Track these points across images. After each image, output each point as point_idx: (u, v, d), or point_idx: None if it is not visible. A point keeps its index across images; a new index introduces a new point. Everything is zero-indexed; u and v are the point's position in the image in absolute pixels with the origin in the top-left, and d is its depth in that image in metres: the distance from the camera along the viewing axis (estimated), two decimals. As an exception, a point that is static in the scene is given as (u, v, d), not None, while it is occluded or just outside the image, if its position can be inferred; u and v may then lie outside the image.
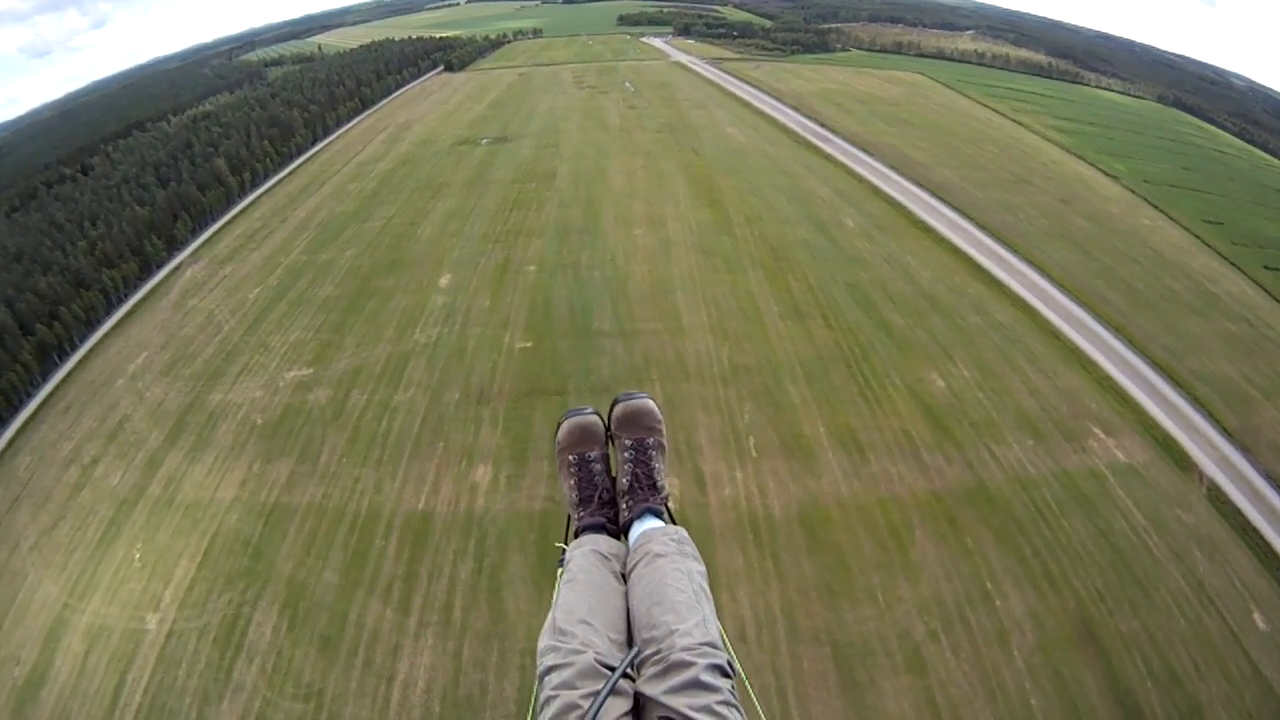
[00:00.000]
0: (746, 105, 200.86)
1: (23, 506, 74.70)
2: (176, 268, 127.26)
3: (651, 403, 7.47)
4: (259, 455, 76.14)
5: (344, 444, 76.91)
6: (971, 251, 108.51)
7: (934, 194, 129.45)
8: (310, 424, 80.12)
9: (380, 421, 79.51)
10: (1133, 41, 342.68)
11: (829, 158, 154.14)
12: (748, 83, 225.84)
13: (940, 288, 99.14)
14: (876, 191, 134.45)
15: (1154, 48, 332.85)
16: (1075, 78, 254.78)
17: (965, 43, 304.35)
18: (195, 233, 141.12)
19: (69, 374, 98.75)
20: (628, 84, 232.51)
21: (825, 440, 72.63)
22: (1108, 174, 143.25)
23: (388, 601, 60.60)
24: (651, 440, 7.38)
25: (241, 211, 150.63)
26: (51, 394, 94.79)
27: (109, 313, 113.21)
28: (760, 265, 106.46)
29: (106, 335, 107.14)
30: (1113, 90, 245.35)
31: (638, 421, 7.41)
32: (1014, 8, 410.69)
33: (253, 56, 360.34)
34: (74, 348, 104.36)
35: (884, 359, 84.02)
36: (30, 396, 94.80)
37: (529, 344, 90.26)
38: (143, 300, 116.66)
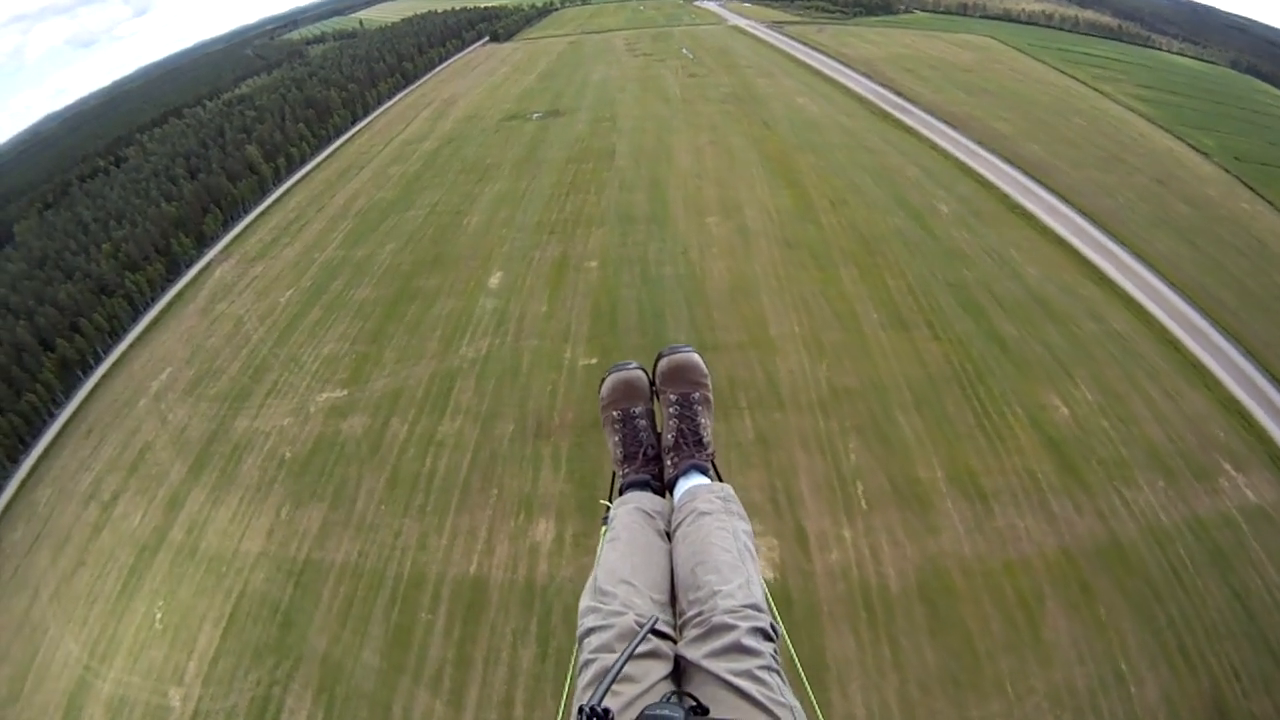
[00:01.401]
0: (815, 72, 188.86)
1: (43, 547, 69.35)
2: (206, 267, 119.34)
3: (697, 356, 7.37)
4: (288, 497, 67.45)
5: (382, 487, 67.26)
6: (1076, 243, 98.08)
7: (1026, 173, 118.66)
8: (344, 460, 70.71)
9: (424, 460, 69.47)
10: (1195, 2, 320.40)
11: (910, 131, 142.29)
12: (812, 47, 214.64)
13: (1051, 289, 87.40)
14: (966, 170, 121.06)
15: (1217, 8, 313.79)
16: (1146, 41, 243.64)
17: (1030, 3, 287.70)
18: (226, 226, 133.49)
19: (92, 391, 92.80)
20: (685, 50, 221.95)
21: (944, 486, 61.60)
22: (1198, 150, 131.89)
23: (437, 692, 51.14)
24: (697, 395, 7.20)
25: (275, 201, 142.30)
26: (74, 415, 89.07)
27: (135, 320, 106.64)
28: (852, 260, 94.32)
29: (132, 346, 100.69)
30: (1185, 55, 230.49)
31: (683, 375, 7.23)
32: None
33: (295, 35, 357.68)
34: (98, 361, 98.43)
35: (1000, 379, 72.37)
36: (53, 417, 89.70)
37: (593, 360, 79.03)
38: (169, 305, 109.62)
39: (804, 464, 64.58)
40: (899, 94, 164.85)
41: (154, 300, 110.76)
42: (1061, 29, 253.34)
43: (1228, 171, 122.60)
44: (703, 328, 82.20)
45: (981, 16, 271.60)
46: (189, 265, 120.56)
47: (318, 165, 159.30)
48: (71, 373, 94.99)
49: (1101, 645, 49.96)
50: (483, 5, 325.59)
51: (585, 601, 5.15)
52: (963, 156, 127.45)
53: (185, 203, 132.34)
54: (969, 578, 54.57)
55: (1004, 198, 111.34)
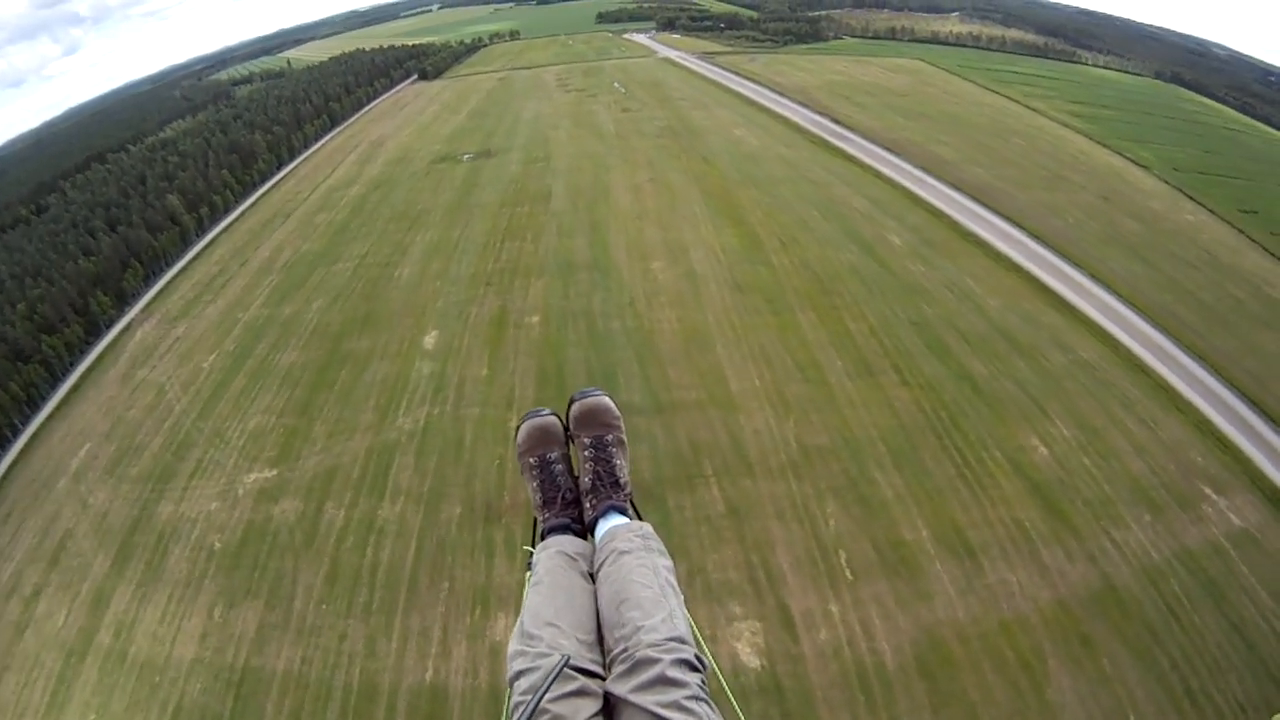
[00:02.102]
0: (750, 102, 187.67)
1: (-36, 647, 62.42)
2: (126, 327, 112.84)
3: (608, 399, 7.41)
4: (220, 595, 61.86)
5: (321, 583, 61.33)
6: (1032, 268, 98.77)
7: (974, 198, 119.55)
8: (278, 552, 64.66)
9: (364, 550, 63.54)
10: (1112, 16, 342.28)
11: (853, 160, 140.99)
12: (745, 77, 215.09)
13: (1013, 319, 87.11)
14: (914, 199, 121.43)
15: (1133, 21, 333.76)
16: (1072, 56, 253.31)
17: (954, 25, 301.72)
18: (148, 282, 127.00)
19: (10, 469, 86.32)
20: (617, 84, 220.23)
21: (930, 546, 59.05)
22: (1138, 164, 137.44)
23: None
24: (611, 437, 7.29)
25: (198, 255, 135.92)
26: None
27: (53, 388, 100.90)
28: (809, 302, 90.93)
29: (50, 417, 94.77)
30: (1111, 68, 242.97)
31: (595, 419, 7.30)
32: None
33: (223, 75, 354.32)
34: (15, 434, 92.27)
35: (976, 422, 70.69)
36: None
37: (540, 431, 72.62)
38: (89, 371, 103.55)
39: (780, 535, 60.53)
40: (837, 121, 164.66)
41: (73, 365, 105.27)
42: (989, 49, 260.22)
43: (1168, 183, 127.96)
44: (658, 386, 77.68)
45: (910, 40, 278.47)
46: (109, 325, 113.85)
47: (241, 214, 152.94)
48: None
49: (1109, 700, 48.86)
50: (410, 43, 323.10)
51: (513, 646, 5.13)
52: (909, 184, 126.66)
53: (104, 258, 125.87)
54: (966, 644, 52.20)
55: (955, 225, 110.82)
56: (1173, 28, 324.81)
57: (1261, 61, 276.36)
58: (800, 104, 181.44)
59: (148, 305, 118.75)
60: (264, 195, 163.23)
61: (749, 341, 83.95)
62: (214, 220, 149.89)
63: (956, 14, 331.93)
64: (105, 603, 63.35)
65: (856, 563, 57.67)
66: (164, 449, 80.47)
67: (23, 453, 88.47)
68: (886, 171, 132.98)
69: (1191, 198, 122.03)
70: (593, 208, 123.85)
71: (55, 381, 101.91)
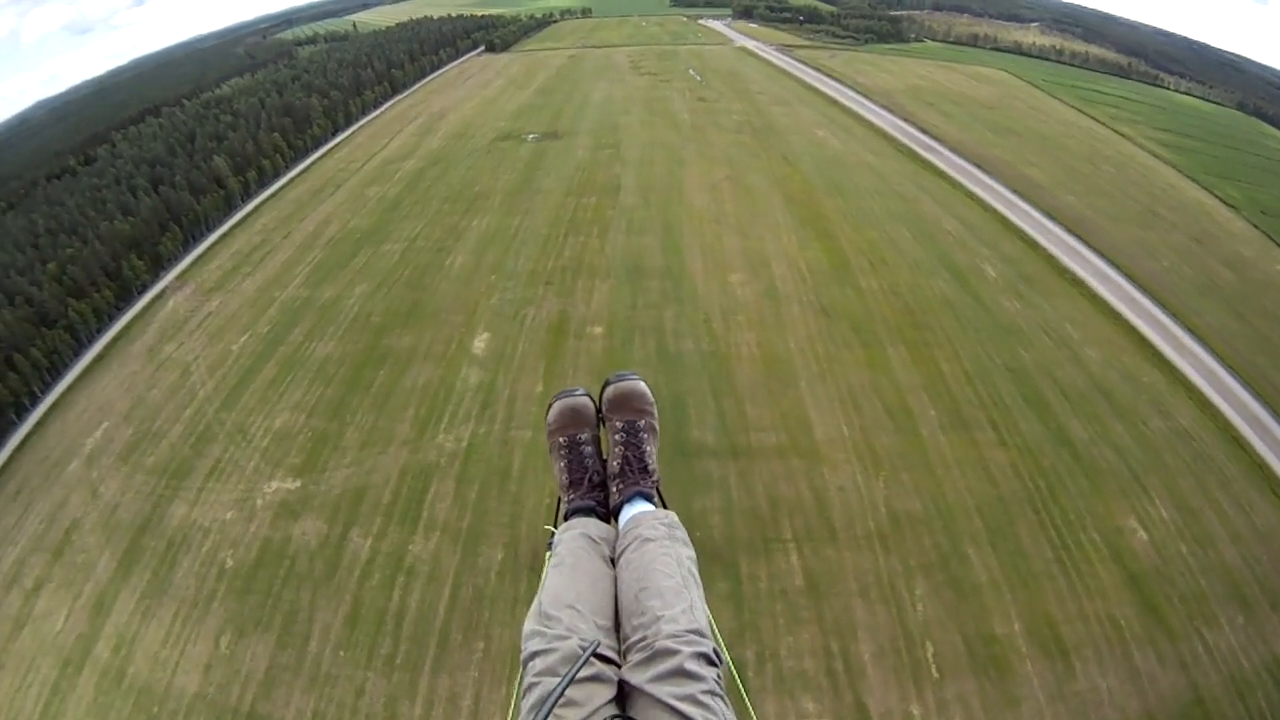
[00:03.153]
0: (832, 102, 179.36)
1: (-40, 633, 58.53)
2: (159, 295, 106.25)
3: (643, 384, 7.39)
4: (229, 621, 55.93)
5: (340, 624, 54.48)
6: (1131, 316, 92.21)
7: (1068, 228, 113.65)
8: (295, 580, 58.26)
9: (391, 591, 56.50)
10: (1190, 39, 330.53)
11: (942, 175, 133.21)
12: (826, 74, 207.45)
13: (1113, 375, 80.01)
14: (1007, 224, 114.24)
15: (1210, 46, 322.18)
16: (1155, 80, 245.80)
17: (1035, 36, 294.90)
18: (187, 246, 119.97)
19: (25, 440, 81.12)
20: (693, 71, 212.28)
21: (1022, 643, 53.26)
22: (1226, 203, 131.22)
23: None
24: (643, 422, 7.24)
25: (241, 221, 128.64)
26: (3, 468, 77.21)
27: (76, 356, 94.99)
28: (900, 336, 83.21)
29: (70, 387, 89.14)
30: (1193, 95, 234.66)
31: (629, 403, 7.27)
32: None
33: (288, 35, 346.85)
34: (34, 403, 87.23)
35: (1074, 495, 63.94)
36: (-19, 465, 78.24)
37: (603, 469, 64.58)
38: (115, 340, 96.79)
39: (864, 618, 53.75)
40: (924, 130, 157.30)
41: (100, 332, 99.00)
42: (1072, 65, 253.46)
43: (1256, 227, 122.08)
44: (734, 425, 69.15)
45: (992, 48, 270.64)
46: (141, 291, 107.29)
47: (290, 181, 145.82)
48: (4, 415, 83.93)
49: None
50: (479, 13, 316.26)
51: (529, 625, 5.11)
52: (1000, 207, 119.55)
53: (142, 219, 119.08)
54: (1052, 760, 46.74)
55: (1050, 259, 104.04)
56: (1250, 56, 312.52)
57: None
58: (884, 108, 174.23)
59: (183, 273, 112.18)
60: (316, 162, 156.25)
61: (835, 378, 76.11)
62: (262, 185, 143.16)
63: (1036, 24, 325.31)
64: (107, 610, 58.22)
65: (944, 657, 51.69)
66: (183, 439, 74.13)
67: (38, 425, 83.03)
68: (978, 191, 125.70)
69: None
70: (666, 205, 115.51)
71: (80, 348, 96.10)
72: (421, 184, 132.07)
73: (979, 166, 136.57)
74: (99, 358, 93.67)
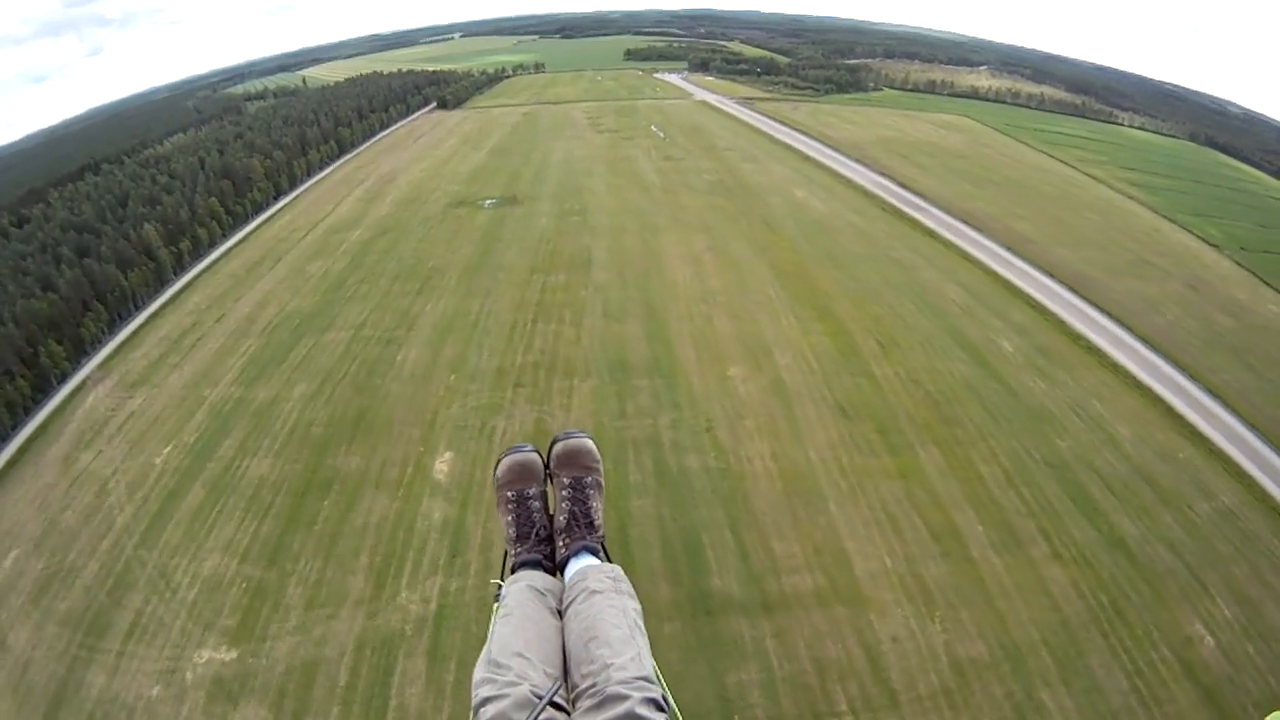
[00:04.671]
0: (804, 157, 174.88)
1: None
2: (80, 386, 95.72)
3: (590, 442, 7.51)
4: None
5: None
6: (1152, 383, 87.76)
7: (1070, 288, 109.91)
8: None
9: None
10: (1129, 72, 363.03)
11: (932, 235, 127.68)
12: (792, 127, 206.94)
13: (1149, 456, 73.34)
14: (1010, 288, 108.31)
15: (1149, 78, 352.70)
16: (1109, 116, 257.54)
17: (987, 79, 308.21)
18: (112, 327, 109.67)
19: None
20: (655, 128, 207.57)
21: None
22: (1208, 242, 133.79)
23: None
24: (589, 479, 7.39)
25: (171, 299, 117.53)
26: None
27: None
28: (928, 434, 73.83)
29: None
30: (1147, 129, 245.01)
31: (576, 460, 7.41)
32: (1002, 41, 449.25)
33: (238, 89, 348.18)
34: None
35: (1138, 608, 57.00)
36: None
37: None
38: (31, 440, 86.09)
39: None
40: (903, 185, 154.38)
41: (14, 429, 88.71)
42: (1029, 107, 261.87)
43: (1241, 265, 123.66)
44: (761, 567, 58.34)
45: (949, 94, 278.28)
46: (61, 381, 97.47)
47: (227, 252, 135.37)
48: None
49: None
50: (430, 69, 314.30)
51: (480, 674, 5.11)
52: (999, 268, 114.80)
53: (63, 298, 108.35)
54: None
55: (1063, 326, 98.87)
56: (1188, 85, 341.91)
57: (1276, 120, 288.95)
58: (859, 161, 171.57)
59: (107, 360, 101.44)
60: (256, 230, 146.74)
61: (867, 494, 65.89)
62: (196, 256, 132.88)
63: (984, 67, 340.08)
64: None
65: None
66: (99, 580, 63.40)
67: None
68: (973, 251, 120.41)
69: (1267, 283, 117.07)
70: (645, 282, 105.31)
71: None
72: (369, 258, 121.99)
73: (966, 222, 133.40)
74: (11, 462, 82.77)
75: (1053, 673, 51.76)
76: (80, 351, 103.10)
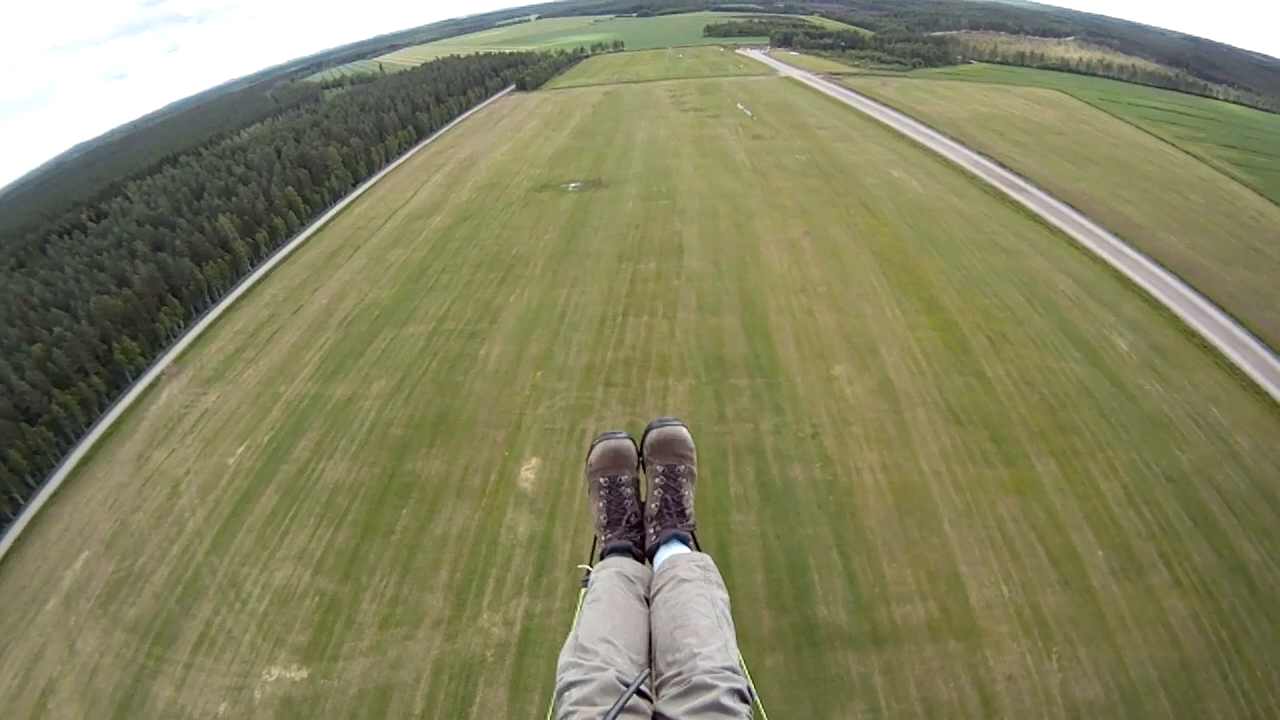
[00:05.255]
0: (898, 136, 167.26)
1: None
2: (154, 382, 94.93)
3: (685, 430, 7.47)
4: None
5: None
6: (1270, 387, 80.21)
7: (1180, 278, 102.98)
8: None
9: None
10: (1217, 42, 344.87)
11: (1036, 219, 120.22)
12: (882, 103, 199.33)
13: (1270, 471, 66.27)
14: (1121, 279, 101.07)
15: (1239, 48, 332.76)
16: (1204, 90, 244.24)
17: (1075, 50, 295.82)
18: (187, 321, 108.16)
19: (3, 560, 70.40)
20: (741, 105, 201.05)
21: None
22: None
23: None
24: (683, 467, 7.35)
25: (248, 292, 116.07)
26: None
27: (63, 456, 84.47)
28: (1044, 443, 68.18)
29: (54, 497, 77.70)
30: (1243, 104, 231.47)
31: (670, 448, 7.36)
32: (1085, 9, 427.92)
33: (316, 78, 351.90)
34: (17, 510, 76.94)
35: (1258, 646, 50.99)
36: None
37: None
38: (104, 438, 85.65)
39: None
40: (1002, 165, 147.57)
41: (88, 427, 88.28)
42: (1120, 79, 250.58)
43: None
44: (870, 595, 53.59)
45: (1039, 67, 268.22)
46: (135, 377, 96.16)
47: (305, 242, 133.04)
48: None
49: None
50: (508, 51, 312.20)
51: (565, 657, 5.13)
52: (1107, 255, 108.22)
53: (136, 294, 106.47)
54: None
55: (1176, 321, 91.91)
56: (1274, 54, 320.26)
57: None
58: (953, 139, 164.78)
59: (181, 354, 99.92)
60: (334, 218, 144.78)
61: (983, 512, 60.64)
62: (273, 247, 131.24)
63: (1072, 38, 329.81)
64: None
65: None
66: (168, 587, 61.70)
67: (18, 543, 72.34)
68: (1079, 238, 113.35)
69: None
70: (741, 271, 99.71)
71: (65, 448, 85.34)
72: (450, 245, 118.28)
73: (1071, 205, 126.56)
74: (85, 460, 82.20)
75: (1170, 719, 47.39)
76: (155, 347, 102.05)
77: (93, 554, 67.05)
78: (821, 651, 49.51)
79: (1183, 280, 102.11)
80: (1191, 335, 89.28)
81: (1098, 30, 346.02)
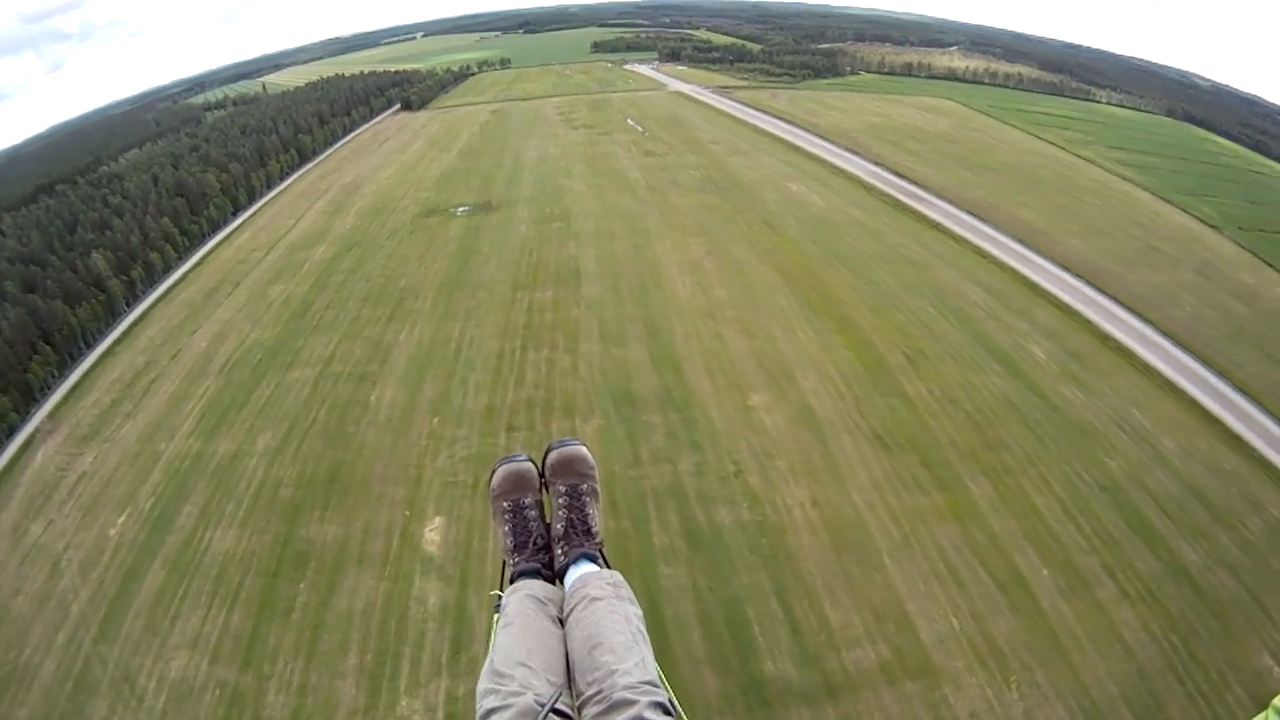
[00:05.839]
0: (793, 148, 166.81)
1: None
2: (29, 441, 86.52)
3: (585, 449, 7.41)
4: None
5: None
6: (1185, 385, 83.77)
7: (1087, 281, 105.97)
8: None
9: None
10: (1096, 49, 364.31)
11: (939, 228, 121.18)
12: (774, 116, 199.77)
13: (1198, 470, 68.80)
14: (1030, 285, 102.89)
15: (1116, 54, 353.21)
16: (1087, 95, 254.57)
17: (959, 60, 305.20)
18: (62, 369, 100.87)
19: None
20: (631, 121, 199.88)
21: None
22: (1206, 223, 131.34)
23: None
24: (585, 486, 7.31)
25: (123, 336, 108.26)
26: None
27: None
28: (977, 463, 67.20)
29: None
30: (1125, 106, 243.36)
31: (571, 468, 7.32)
32: (967, 20, 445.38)
33: (198, 99, 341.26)
34: None
35: (1209, 645, 52.85)
36: None
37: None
38: None
39: None
40: (899, 174, 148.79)
41: None
42: (1007, 87, 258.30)
43: (1242, 247, 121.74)
44: (818, 644, 50.61)
45: (927, 76, 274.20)
46: (9, 435, 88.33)
47: (183, 278, 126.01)
48: None
49: None
50: (393, 69, 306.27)
51: (483, 684, 5.04)
52: (1013, 262, 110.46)
53: (5, 342, 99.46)
54: None
55: (1090, 326, 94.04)
56: (1152, 59, 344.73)
57: (1242, 92, 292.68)
58: (848, 150, 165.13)
59: (56, 409, 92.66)
60: (213, 250, 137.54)
61: (922, 542, 58.48)
62: (150, 284, 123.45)
63: (955, 48, 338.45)
64: None
65: None
66: (58, 682, 54.79)
67: None
68: (984, 245, 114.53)
69: (1270, 264, 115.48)
70: (643, 296, 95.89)
71: None
72: (334, 278, 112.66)
73: (970, 213, 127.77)
74: None
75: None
76: (29, 401, 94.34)
77: (-27, 646, 61.33)
78: (774, 711, 46.77)
79: (1089, 283, 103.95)
80: (1105, 339, 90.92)
81: (981, 40, 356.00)
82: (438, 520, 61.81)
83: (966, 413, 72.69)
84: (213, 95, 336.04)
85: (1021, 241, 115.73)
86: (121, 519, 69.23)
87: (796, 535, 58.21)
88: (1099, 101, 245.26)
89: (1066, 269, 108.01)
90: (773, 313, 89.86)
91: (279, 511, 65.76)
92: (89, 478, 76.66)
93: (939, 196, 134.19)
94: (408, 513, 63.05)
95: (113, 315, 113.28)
